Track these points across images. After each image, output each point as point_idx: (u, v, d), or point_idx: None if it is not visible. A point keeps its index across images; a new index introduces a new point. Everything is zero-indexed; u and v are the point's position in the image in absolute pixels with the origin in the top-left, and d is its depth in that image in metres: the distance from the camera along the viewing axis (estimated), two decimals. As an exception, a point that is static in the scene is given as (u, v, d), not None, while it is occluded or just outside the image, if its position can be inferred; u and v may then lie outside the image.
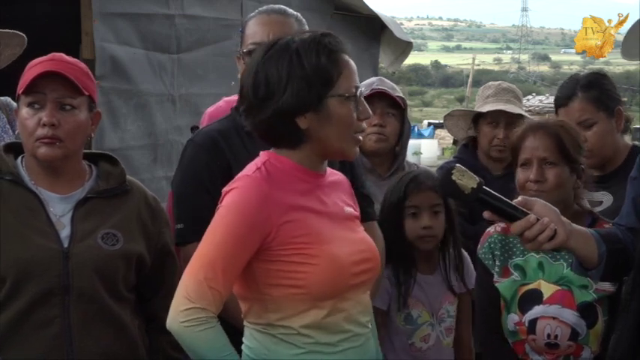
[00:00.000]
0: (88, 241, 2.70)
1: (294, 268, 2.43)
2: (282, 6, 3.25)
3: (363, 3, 8.86)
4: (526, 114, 4.23)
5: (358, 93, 2.50)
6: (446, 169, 2.42)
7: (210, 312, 2.38)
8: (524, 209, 2.44)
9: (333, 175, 2.67)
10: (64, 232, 2.71)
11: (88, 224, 2.73)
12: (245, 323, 2.56)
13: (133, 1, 6.55)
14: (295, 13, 3.21)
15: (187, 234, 2.98)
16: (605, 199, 3.54)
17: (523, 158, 3.08)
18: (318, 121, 2.47)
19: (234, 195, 2.45)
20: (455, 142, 4.95)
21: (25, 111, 2.71)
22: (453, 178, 2.39)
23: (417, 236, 3.39)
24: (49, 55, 2.76)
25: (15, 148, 2.82)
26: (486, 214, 2.55)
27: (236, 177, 2.52)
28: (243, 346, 2.56)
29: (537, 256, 3.07)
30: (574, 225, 2.55)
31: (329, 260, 2.44)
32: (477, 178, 2.41)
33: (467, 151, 4.30)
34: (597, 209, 3.55)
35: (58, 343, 2.64)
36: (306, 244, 2.44)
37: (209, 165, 3.02)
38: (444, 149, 32.21)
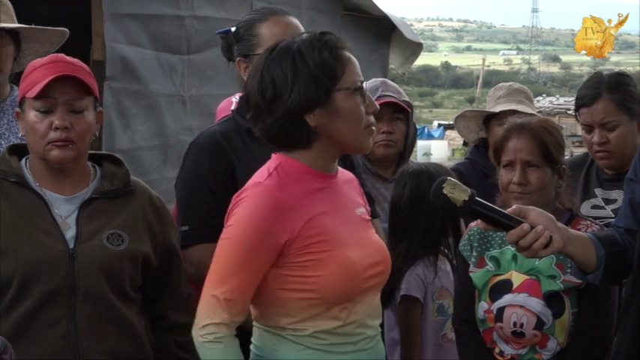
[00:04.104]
0: (94, 242, 2.70)
1: (306, 273, 2.42)
2: (280, 7, 3.26)
3: (373, 4, 8.86)
4: (538, 114, 4.21)
5: (363, 86, 2.50)
6: (437, 183, 2.43)
7: (229, 327, 2.39)
8: (518, 218, 2.44)
9: (344, 174, 2.65)
10: (70, 233, 2.70)
11: (93, 225, 2.72)
12: (254, 324, 2.55)
13: (143, 2, 6.56)
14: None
15: (192, 236, 2.97)
16: (620, 197, 3.53)
17: (506, 160, 3.10)
18: (327, 117, 2.46)
19: (246, 207, 2.43)
20: (465, 144, 4.95)
21: (33, 114, 2.69)
22: (445, 191, 2.40)
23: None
24: (51, 57, 2.75)
25: (17, 150, 2.81)
26: (480, 225, 2.55)
27: (248, 183, 2.50)
28: (251, 346, 2.55)
29: (513, 249, 3.07)
30: (571, 230, 2.55)
31: (343, 265, 2.44)
32: (469, 190, 2.41)
33: (478, 153, 4.29)
34: (611, 207, 3.55)
35: (65, 343, 2.64)
36: (321, 249, 2.43)
37: (213, 166, 3.01)
38: (454, 150, 32.16)
